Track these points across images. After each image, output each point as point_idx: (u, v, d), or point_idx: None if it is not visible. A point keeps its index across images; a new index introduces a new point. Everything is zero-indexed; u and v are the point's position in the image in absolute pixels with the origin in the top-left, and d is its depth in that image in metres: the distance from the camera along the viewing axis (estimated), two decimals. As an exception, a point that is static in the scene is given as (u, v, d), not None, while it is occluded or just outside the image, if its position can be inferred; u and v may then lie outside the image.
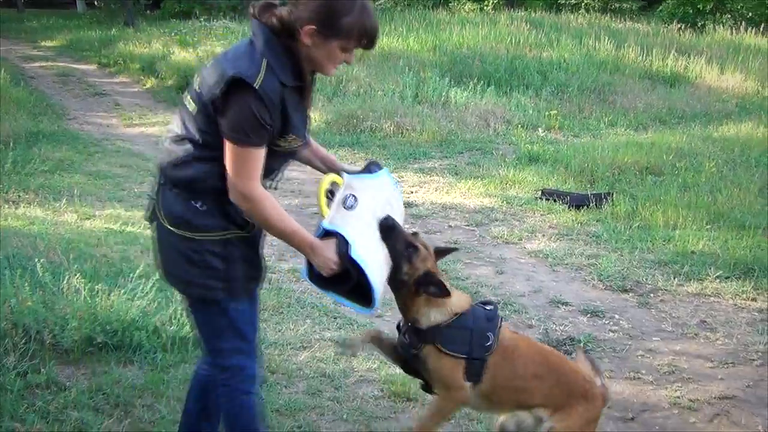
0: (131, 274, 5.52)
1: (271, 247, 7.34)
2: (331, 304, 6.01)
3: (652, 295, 6.47)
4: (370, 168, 3.40)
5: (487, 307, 3.43)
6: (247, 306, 3.22)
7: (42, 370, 4.44)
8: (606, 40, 19.53)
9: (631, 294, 6.47)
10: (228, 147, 2.88)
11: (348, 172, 3.37)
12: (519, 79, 15.76)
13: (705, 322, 5.97)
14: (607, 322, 5.94)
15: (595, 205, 8.70)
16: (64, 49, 24.38)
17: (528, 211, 8.75)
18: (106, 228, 7.29)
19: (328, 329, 5.60)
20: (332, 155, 3.52)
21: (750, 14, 27.35)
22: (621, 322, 5.95)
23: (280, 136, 2.98)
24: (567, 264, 7.17)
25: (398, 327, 3.46)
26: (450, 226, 8.17)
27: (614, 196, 8.92)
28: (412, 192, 9.46)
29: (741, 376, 5.11)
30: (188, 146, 3.00)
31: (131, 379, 4.59)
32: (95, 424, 4.03)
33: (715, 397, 4.81)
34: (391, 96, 13.98)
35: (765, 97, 17.60)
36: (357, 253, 3.03)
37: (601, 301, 6.27)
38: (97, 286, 5.10)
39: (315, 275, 3.12)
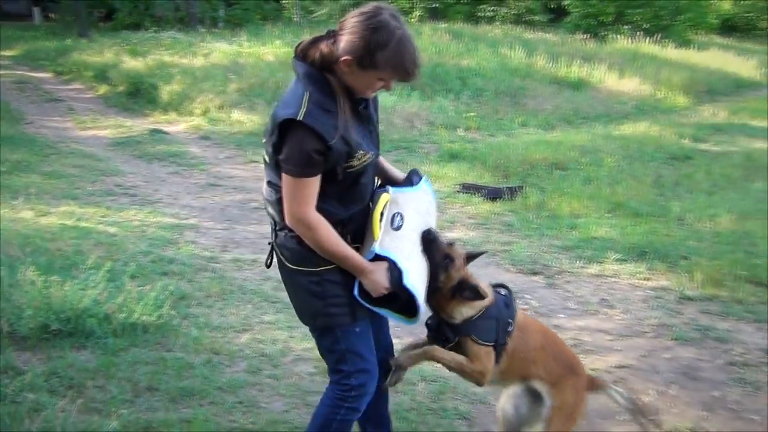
0: (83, 266, 5.45)
1: (216, 239, 7.32)
2: (270, 291, 5.99)
3: (558, 276, 6.57)
4: (411, 178, 3.27)
5: (502, 292, 3.41)
6: (364, 327, 3.16)
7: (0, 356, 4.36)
8: (519, 49, 19.78)
9: (540, 276, 6.56)
10: (284, 178, 2.85)
11: (393, 183, 3.26)
12: (441, 84, 15.81)
13: (605, 300, 6.08)
14: (519, 301, 5.98)
15: (509, 197, 8.79)
16: (21, 58, 23.82)
17: (449, 203, 8.81)
18: (60, 224, 7.14)
19: (268, 313, 5.57)
20: (383, 159, 3.34)
21: (646, 25, 27.89)
22: (531, 301, 6.04)
23: (348, 157, 2.88)
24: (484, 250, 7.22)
25: (428, 324, 3.38)
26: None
27: (525, 188, 9.03)
28: (344, 187, 9.44)
29: (636, 347, 5.22)
30: (278, 193, 2.95)
31: (84, 363, 4.51)
32: (50, 404, 3.94)
33: (613, 366, 4.91)
34: (325, 100, 13.91)
35: (658, 99, 17.99)
36: (409, 281, 2.97)
37: (514, 282, 6.33)
38: (51, 278, 5.00)
39: (363, 292, 3.03)
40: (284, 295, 5.82)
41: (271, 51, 17.70)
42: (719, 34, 38.62)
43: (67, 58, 21.39)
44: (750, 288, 6.25)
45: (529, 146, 11.18)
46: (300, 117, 2.74)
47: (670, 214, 8.18)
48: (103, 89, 17.47)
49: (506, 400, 3.63)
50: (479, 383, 3.35)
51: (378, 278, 2.96)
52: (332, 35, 2.86)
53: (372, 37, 2.75)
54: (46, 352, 4.59)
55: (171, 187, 9.43)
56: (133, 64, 17.82)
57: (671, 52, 24.47)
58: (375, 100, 3.12)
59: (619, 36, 26.33)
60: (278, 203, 2.96)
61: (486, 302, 3.27)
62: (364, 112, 3.02)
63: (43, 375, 4.28)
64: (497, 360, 3.32)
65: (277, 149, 2.85)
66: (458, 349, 3.30)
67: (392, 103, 13.94)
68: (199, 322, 5.31)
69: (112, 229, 7.23)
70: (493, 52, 19.28)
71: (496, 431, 3.81)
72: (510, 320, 3.33)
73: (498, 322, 3.29)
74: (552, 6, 35.69)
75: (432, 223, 3.29)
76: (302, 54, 2.89)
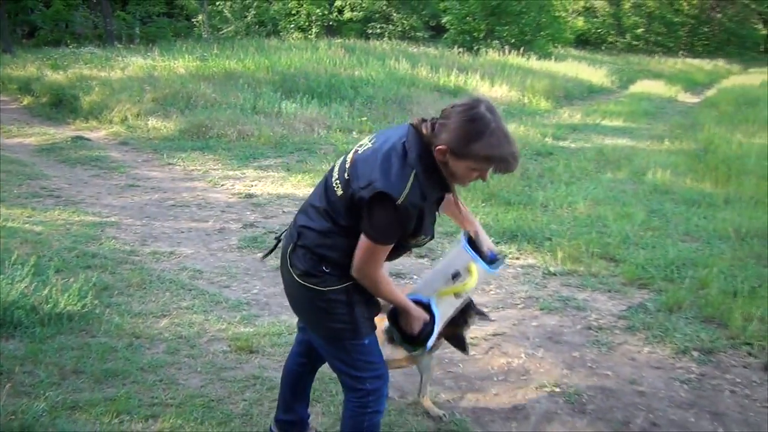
0: (9, 262, 5.24)
1: (135, 234, 7.12)
2: (186, 279, 5.88)
3: (441, 258, 6.62)
4: (496, 259, 3.08)
5: None
6: (372, 338, 2.97)
7: (-69, 348, 4.15)
8: (404, 61, 19.90)
9: (425, 258, 6.61)
10: (363, 239, 2.67)
11: (478, 251, 3.05)
12: (336, 92, 15.76)
13: (482, 277, 6.17)
14: (407, 281, 6.06)
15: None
16: (-53, 72, 22.62)
17: (346, 197, 8.76)
18: (-12, 224, 6.84)
19: (184, 299, 5.46)
20: (468, 212, 3.17)
21: (513, 40, 28.48)
22: (419, 281, 6.05)
23: (411, 237, 2.74)
24: (376, 237, 7.24)
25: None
26: (284, 212, 8.11)
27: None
28: (252, 185, 9.35)
29: (508, 317, 5.32)
30: (328, 222, 2.77)
31: (12, 351, 4.34)
32: (-20, 390, 3.79)
33: (489, 335, 4.99)
34: (233, 108, 13.73)
35: (525, 103, 18.40)
36: (431, 342, 2.99)
37: (402, 265, 6.34)
38: (-20, 274, 4.81)
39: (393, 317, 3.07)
40: (199, 283, 5.80)
41: (182, 65, 17.32)
42: (575, 47, 39.80)
43: (-8, 72, 20.45)
44: (603, 263, 6.47)
45: (415, 146, 11.24)
46: (399, 201, 2.56)
47: (536, 202, 8.37)
48: (27, 100, 16.78)
49: None
50: None
51: (414, 324, 2.95)
52: (435, 121, 2.68)
53: (467, 128, 2.55)
54: (-24, 342, 4.40)
55: (93, 188, 9.12)
56: (55, 77, 17.16)
57: (534, 63, 25.06)
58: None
59: (489, 49, 26.79)
60: (324, 235, 2.79)
61: None
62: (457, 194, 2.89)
63: (-26, 364, 4.10)
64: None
65: (361, 206, 2.65)
66: None
67: (293, 110, 13.88)
68: (121, 309, 5.17)
69: (37, 228, 6.96)
70: (381, 65, 19.34)
71: None
72: None
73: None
74: (432, 24, 36.12)
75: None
76: (417, 125, 2.69)
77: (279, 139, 12.28)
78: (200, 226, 7.52)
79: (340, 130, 13.21)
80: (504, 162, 2.60)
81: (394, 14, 36.28)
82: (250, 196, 8.78)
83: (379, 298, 2.92)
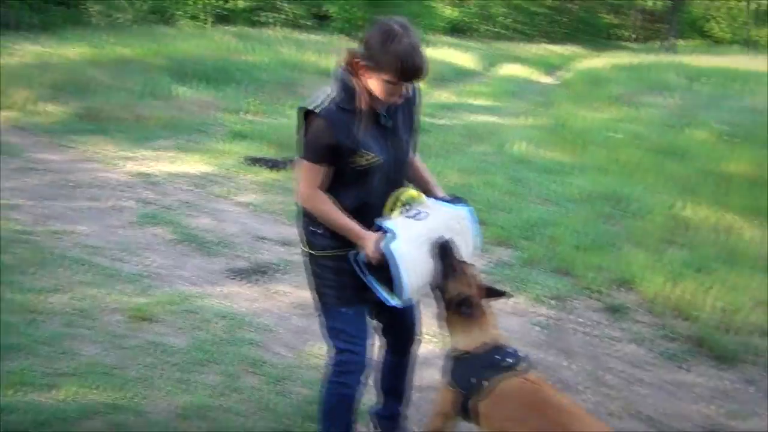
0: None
1: (32, 214, 6.79)
2: (85, 256, 5.67)
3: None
4: (453, 201, 2.92)
5: (509, 359, 2.68)
6: (355, 312, 2.91)
7: None
8: (292, 47, 19.64)
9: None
10: (298, 160, 2.77)
11: (436, 198, 2.94)
12: (228, 77, 15.37)
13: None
14: (296, 249, 6.02)
15: (290, 166, 8.76)
16: None
17: (238, 174, 8.64)
18: None
19: (82, 275, 5.26)
20: (432, 178, 3.06)
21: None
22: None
23: (352, 154, 2.67)
24: (267, 210, 7.19)
25: None
26: (179, 189, 7.92)
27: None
28: (150, 166, 9.05)
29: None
30: None
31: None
32: None
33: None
34: (127, 92, 13.19)
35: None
36: (391, 245, 2.59)
37: (293, 234, 6.33)
38: None
39: (359, 260, 2.72)
40: (96, 259, 5.63)
41: (76, 51, 16.49)
42: (447, 34, 40.29)
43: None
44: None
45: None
46: (316, 109, 2.67)
47: (412, 174, 8.47)
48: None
49: None
50: (435, 425, 2.83)
51: (369, 243, 2.66)
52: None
53: (377, 39, 2.59)
54: None
55: (-11, 172, 8.60)
56: None
57: (412, 49, 25.24)
58: (411, 119, 2.90)
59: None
60: None
61: (471, 348, 2.74)
62: (384, 123, 2.76)
63: None
64: (465, 414, 2.71)
65: (300, 135, 2.75)
66: None
67: (187, 94, 13.50)
68: (20, 287, 4.93)
69: (-69, 213, 6.53)
70: (271, 50, 19.03)
71: None
72: (485, 379, 2.63)
73: (470, 371, 2.68)
74: (316, 13, 35.82)
75: (461, 247, 2.85)
76: (342, 61, 2.76)
77: (173, 121, 11.89)
78: (97, 205, 7.23)
79: (231, 112, 12.95)
80: (411, 69, 2.59)
81: (283, 4, 35.73)
82: (145, 175, 8.50)
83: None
